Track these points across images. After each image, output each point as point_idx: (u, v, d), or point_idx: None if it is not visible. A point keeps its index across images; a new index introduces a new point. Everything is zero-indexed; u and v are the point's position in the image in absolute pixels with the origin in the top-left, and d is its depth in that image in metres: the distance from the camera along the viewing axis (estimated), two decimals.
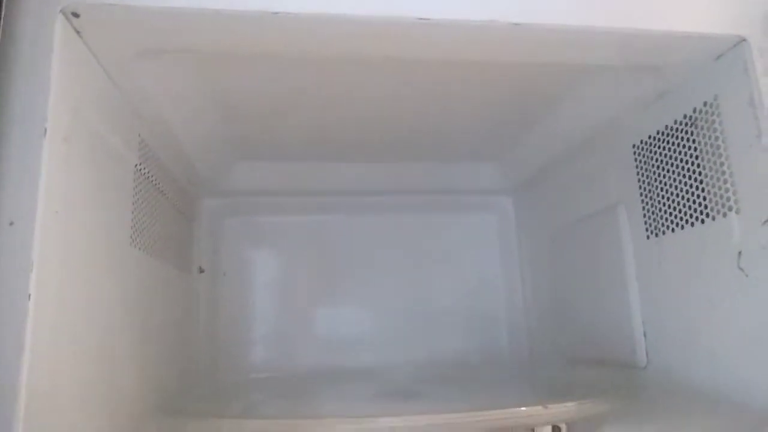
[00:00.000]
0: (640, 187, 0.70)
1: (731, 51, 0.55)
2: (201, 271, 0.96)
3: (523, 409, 0.45)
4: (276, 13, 0.45)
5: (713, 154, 0.58)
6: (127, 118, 0.60)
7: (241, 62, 0.61)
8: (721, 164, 0.57)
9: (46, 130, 0.41)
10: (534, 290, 1.04)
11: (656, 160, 0.67)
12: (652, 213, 0.68)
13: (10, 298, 0.38)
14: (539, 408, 0.45)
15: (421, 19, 0.47)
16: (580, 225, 0.85)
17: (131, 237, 0.60)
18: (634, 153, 0.71)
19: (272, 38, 0.50)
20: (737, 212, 0.55)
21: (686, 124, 0.62)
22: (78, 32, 0.47)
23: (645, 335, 0.69)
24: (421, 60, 0.57)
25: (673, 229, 0.65)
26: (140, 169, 0.64)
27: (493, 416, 0.43)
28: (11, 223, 0.39)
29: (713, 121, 0.58)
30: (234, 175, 0.95)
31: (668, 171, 0.65)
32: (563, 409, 0.47)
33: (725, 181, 0.56)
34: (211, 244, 0.98)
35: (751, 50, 0.53)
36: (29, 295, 0.38)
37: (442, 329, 1.05)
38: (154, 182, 0.70)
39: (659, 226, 0.67)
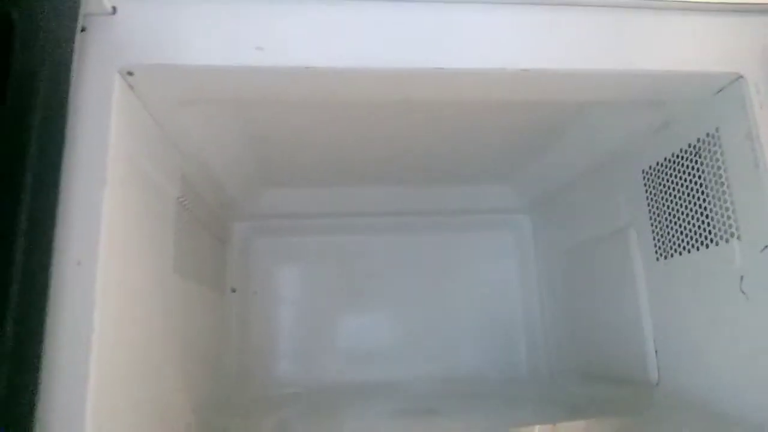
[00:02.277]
0: (650, 211, 0.74)
1: (730, 86, 0.58)
2: (233, 290, 1.01)
3: (535, 428, 0.49)
4: (308, 68, 0.50)
5: (716, 182, 0.61)
6: (170, 156, 0.66)
7: (270, 104, 0.67)
8: (723, 192, 0.60)
9: (106, 178, 0.47)
10: (551, 307, 1.07)
11: (665, 186, 0.71)
12: (661, 236, 0.71)
13: (77, 331, 0.43)
14: (549, 427, 0.48)
15: (437, 68, 0.52)
16: (593, 245, 0.89)
17: (174, 265, 0.66)
18: (644, 178, 0.75)
19: (301, 89, 0.55)
20: (739, 238, 0.58)
21: (691, 153, 0.65)
22: (131, 87, 0.52)
23: (656, 353, 0.72)
24: (438, 101, 0.62)
25: (680, 253, 0.68)
26: (181, 201, 0.70)
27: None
28: (78, 263, 0.45)
29: (715, 152, 0.61)
30: (262, 200, 1.01)
31: (676, 196, 0.68)
32: (572, 428, 0.51)
33: (727, 209, 0.59)
34: (242, 265, 1.04)
35: (748, 86, 0.56)
36: (93, 329, 0.44)
37: (461, 345, 1.08)
38: (191, 212, 0.75)
39: (668, 248, 0.70)
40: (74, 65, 0.48)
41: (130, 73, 0.50)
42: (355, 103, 0.65)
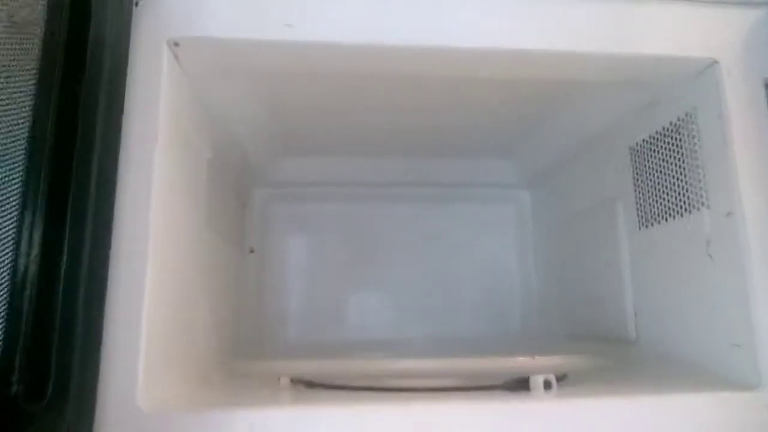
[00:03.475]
0: (635, 185, 0.81)
1: (707, 71, 0.65)
2: (251, 251, 1.10)
3: (513, 358, 0.56)
4: (329, 43, 0.58)
5: (692, 157, 0.68)
6: (205, 122, 0.73)
7: (293, 77, 0.74)
8: (697, 166, 0.67)
9: (157, 136, 0.55)
10: (544, 277, 1.15)
11: (648, 161, 0.78)
12: (643, 207, 0.79)
13: (134, 268, 0.51)
14: (528, 358, 0.56)
15: (440, 47, 0.59)
16: (584, 217, 0.96)
17: (206, 220, 0.74)
18: (630, 154, 0.82)
19: (323, 62, 0.63)
20: (708, 207, 0.65)
21: (672, 131, 0.72)
22: (176, 57, 0.60)
23: (635, 313, 0.80)
24: (440, 77, 0.69)
25: (659, 222, 0.75)
26: (212, 163, 0.78)
27: (485, 362, 0.54)
28: (134, 208, 0.53)
29: (692, 129, 0.68)
30: (281, 168, 1.10)
31: (658, 171, 0.75)
32: (550, 361, 0.58)
33: (699, 181, 0.66)
34: (260, 228, 1.12)
35: (721, 71, 0.63)
36: (147, 261, 0.52)
37: (459, 311, 1.16)
38: (220, 174, 0.83)
39: (649, 218, 0.77)
40: (131, 37, 0.56)
41: (176, 44, 0.58)
42: (369, 78, 0.72)
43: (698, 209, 0.67)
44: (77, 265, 0.44)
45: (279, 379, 0.64)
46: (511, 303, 1.18)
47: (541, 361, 0.56)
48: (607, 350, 0.81)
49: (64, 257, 0.42)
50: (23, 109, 0.44)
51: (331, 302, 1.15)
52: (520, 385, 0.59)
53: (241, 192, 1.05)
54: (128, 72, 0.56)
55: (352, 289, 1.16)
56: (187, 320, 0.65)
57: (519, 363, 0.57)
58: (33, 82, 0.45)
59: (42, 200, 0.44)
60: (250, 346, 1.07)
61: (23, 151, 0.43)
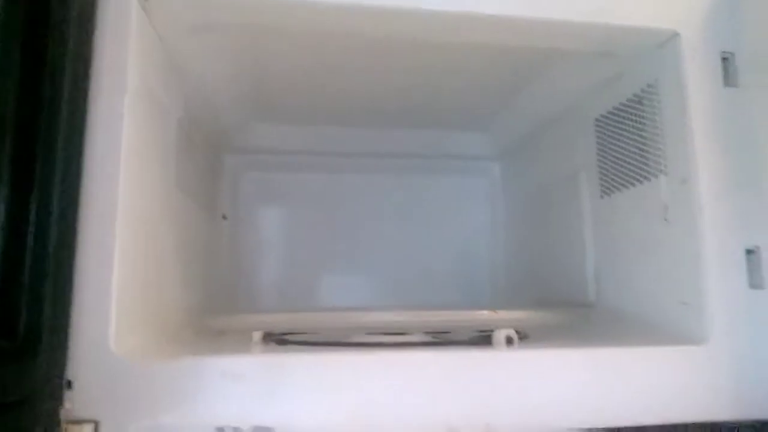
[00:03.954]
0: (598, 155, 0.84)
1: (668, 42, 0.67)
2: (224, 217, 1.10)
3: (477, 311, 0.59)
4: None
5: (653, 127, 0.71)
6: (174, 80, 0.73)
7: (268, 35, 0.74)
8: (657, 135, 0.70)
9: (126, 87, 0.55)
10: (513, 247, 1.18)
11: (612, 132, 0.80)
12: (606, 177, 0.82)
13: (103, 214, 0.51)
14: (489, 312, 0.59)
15: (413, 8, 0.60)
16: (551, 188, 0.99)
17: (176, 179, 0.74)
18: (596, 126, 0.84)
19: (299, 19, 0.63)
20: (666, 174, 0.68)
21: (635, 102, 0.75)
22: (145, 11, 0.59)
23: (595, 278, 0.84)
24: (417, 41, 0.70)
25: (621, 190, 0.78)
26: (181, 123, 0.77)
27: (450, 315, 0.56)
28: (103, 158, 0.53)
29: (653, 100, 0.71)
30: (254, 134, 1.09)
31: (621, 141, 0.78)
32: (510, 315, 0.61)
33: (659, 149, 0.69)
34: (232, 195, 1.12)
35: (682, 43, 0.66)
36: (117, 212, 0.52)
37: (431, 279, 1.19)
38: (190, 135, 0.83)
39: (611, 187, 0.81)
40: None
41: None
42: (345, 41, 0.73)
43: (656, 176, 0.70)
44: (47, 212, 0.44)
45: (251, 335, 0.65)
46: (482, 272, 1.21)
47: (502, 314, 0.59)
48: (568, 313, 0.85)
49: (34, 202, 0.42)
50: None
51: (303, 271, 1.16)
52: (483, 340, 0.61)
53: (213, 158, 1.04)
54: (96, 26, 0.55)
55: (325, 258, 1.18)
56: (157, 276, 0.65)
57: (482, 316, 0.60)
58: None
59: (9, 147, 0.44)
60: (223, 311, 1.07)
61: None
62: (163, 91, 0.68)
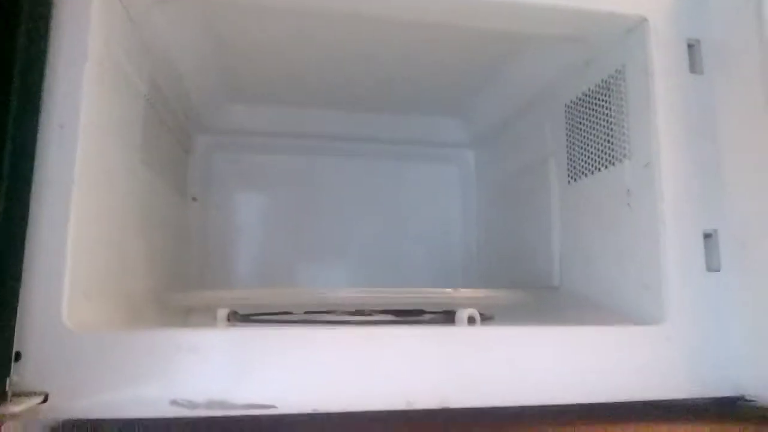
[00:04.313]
0: (567, 141, 0.84)
1: (636, 28, 0.68)
2: (194, 199, 1.08)
3: (439, 289, 0.59)
4: None
5: (620, 112, 0.72)
6: (141, 54, 0.71)
7: (241, 10, 0.73)
8: (623, 120, 0.71)
9: (87, 55, 0.53)
10: (485, 231, 1.19)
11: (580, 118, 0.81)
12: (573, 162, 0.83)
13: (59, 186, 0.50)
14: (450, 290, 0.59)
15: None
16: (522, 175, 1.00)
17: (141, 156, 0.73)
18: (566, 112, 0.85)
19: None
20: (629, 159, 0.69)
21: (603, 87, 0.76)
22: None
23: (560, 262, 0.85)
24: (390, 19, 0.69)
25: (587, 175, 0.79)
26: (148, 99, 0.76)
27: (413, 294, 0.57)
28: (61, 126, 0.52)
29: (620, 85, 0.71)
30: (225, 115, 1.08)
31: (588, 127, 0.79)
32: (471, 294, 0.62)
33: (624, 134, 0.70)
34: (203, 177, 1.10)
35: (649, 28, 0.66)
36: (73, 182, 0.51)
37: (404, 264, 1.19)
38: (158, 113, 0.81)
39: (578, 172, 0.81)
40: None
41: None
42: (317, 18, 0.72)
43: (621, 161, 0.71)
44: None
45: (216, 313, 0.65)
46: (454, 258, 1.22)
47: (467, 293, 0.59)
48: (533, 296, 0.86)
49: None
50: None
51: (275, 254, 1.15)
52: (446, 319, 0.62)
53: (184, 138, 1.02)
54: None
55: (297, 242, 1.17)
56: (119, 252, 0.64)
57: (444, 294, 0.60)
58: None
59: None
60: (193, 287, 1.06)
61: None
62: (129, 64, 0.67)
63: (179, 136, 0.98)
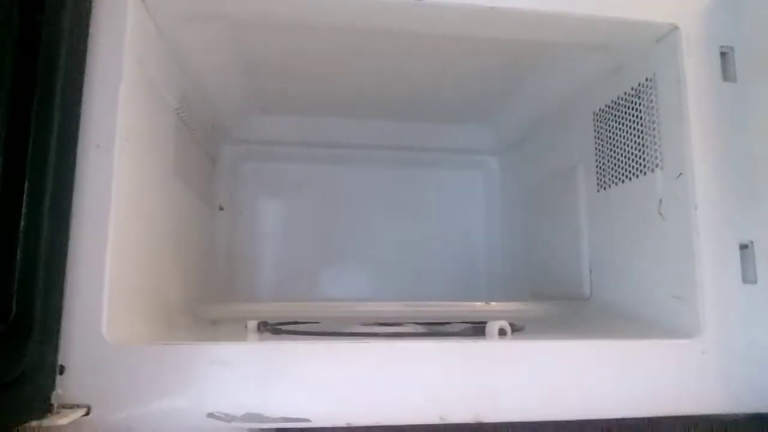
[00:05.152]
0: (596, 149, 0.83)
1: (667, 36, 0.67)
2: (221, 208, 1.10)
3: (470, 303, 0.59)
4: None
5: (650, 121, 0.71)
6: (172, 70, 0.73)
7: (270, 27, 0.74)
8: (654, 129, 0.70)
9: (122, 75, 0.55)
10: (509, 241, 1.18)
11: (609, 127, 0.80)
12: (603, 170, 0.82)
13: (97, 202, 0.52)
14: (482, 303, 0.59)
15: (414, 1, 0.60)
16: (549, 182, 0.99)
17: (174, 168, 0.74)
18: (594, 120, 0.84)
19: (296, 9, 0.63)
20: (661, 168, 0.68)
21: (633, 95, 0.75)
22: (143, 1, 0.59)
23: (591, 272, 0.84)
24: (415, 34, 0.70)
25: (617, 183, 0.78)
26: (179, 113, 0.77)
27: (443, 307, 0.57)
28: (98, 146, 0.53)
29: (651, 94, 0.71)
30: (252, 125, 1.09)
31: (618, 135, 0.78)
32: (504, 307, 0.61)
33: (655, 143, 0.69)
34: (230, 186, 1.12)
35: (681, 36, 0.65)
36: (111, 199, 0.52)
37: (429, 273, 1.19)
38: (188, 125, 0.83)
39: (607, 181, 0.80)
40: None
41: None
42: (344, 34, 0.73)
43: (652, 170, 0.70)
44: (40, 197, 0.45)
45: (246, 324, 0.66)
46: (479, 266, 1.21)
47: (497, 306, 0.59)
48: (563, 306, 0.85)
49: (27, 188, 0.42)
50: None
51: (301, 262, 1.16)
52: (476, 331, 0.61)
53: (211, 148, 1.04)
54: (92, 12, 0.55)
55: (323, 250, 1.18)
56: (153, 264, 0.65)
57: (477, 308, 0.60)
58: None
59: (1, 136, 0.44)
60: (219, 301, 1.08)
61: None
62: (161, 80, 0.68)
63: (206, 146, 0.99)
